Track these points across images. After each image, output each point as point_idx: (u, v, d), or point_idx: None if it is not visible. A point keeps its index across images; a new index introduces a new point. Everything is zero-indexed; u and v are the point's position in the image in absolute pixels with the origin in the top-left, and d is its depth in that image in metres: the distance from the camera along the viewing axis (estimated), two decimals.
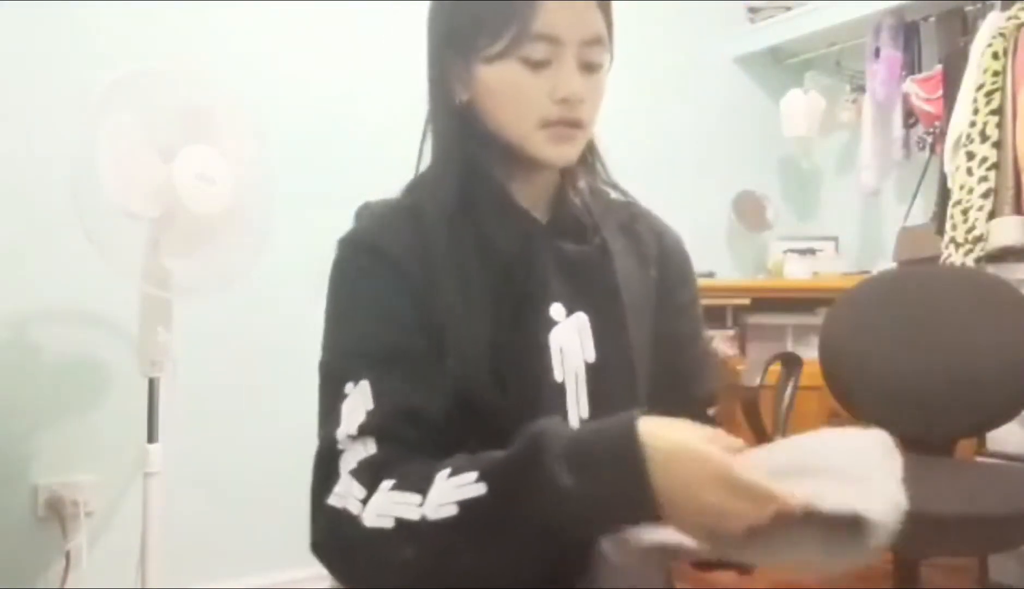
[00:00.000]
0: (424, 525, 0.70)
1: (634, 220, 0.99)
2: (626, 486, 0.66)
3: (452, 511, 0.69)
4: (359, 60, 2.51)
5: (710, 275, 2.97)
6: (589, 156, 0.97)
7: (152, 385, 1.83)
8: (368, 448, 0.75)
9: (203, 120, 1.76)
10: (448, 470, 0.71)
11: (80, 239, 1.65)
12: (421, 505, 0.70)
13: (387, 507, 0.71)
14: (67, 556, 1.99)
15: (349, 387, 0.78)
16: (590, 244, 0.93)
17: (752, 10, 3.34)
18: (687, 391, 0.97)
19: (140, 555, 1.79)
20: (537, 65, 0.83)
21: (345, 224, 0.92)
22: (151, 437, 1.82)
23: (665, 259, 0.99)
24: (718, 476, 0.64)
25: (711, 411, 0.98)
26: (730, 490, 0.64)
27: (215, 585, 2.18)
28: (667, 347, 0.96)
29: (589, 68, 0.86)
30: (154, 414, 1.83)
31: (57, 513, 2.01)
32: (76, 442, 2.06)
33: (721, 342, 2.82)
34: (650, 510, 0.66)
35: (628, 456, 0.66)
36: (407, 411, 0.77)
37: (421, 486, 0.71)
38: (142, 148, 1.67)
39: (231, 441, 2.24)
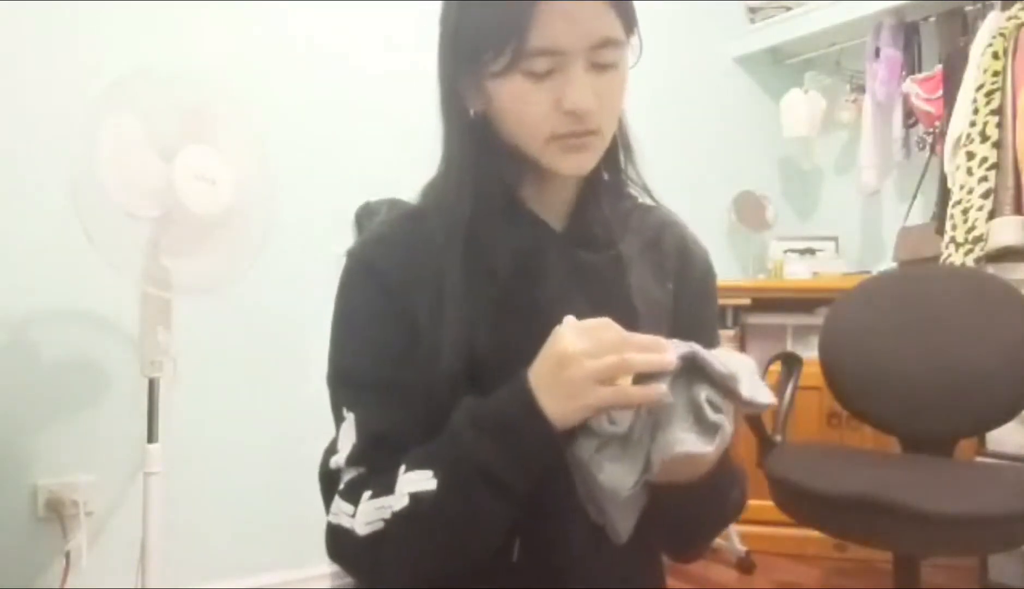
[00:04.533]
0: (395, 518, 0.76)
1: (661, 230, 0.98)
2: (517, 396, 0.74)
3: (405, 502, 0.76)
4: (359, 60, 2.51)
5: None
6: (622, 158, 0.96)
7: (152, 385, 1.82)
8: (356, 472, 0.83)
9: (203, 120, 1.75)
10: (404, 466, 0.78)
11: (80, 239, 1.65)
12: (392, 503, 0.77)
13: (371, 514, 0.78)
14: (67, 556, 1.99)
15: (345, 411, 0.85)
16: (605, 253, 0.92)
17: (752, 10, 3.34)
18: None
19: (140, 555, 1.79)
20: (542, 76, 0.81)
21: (345, 224, 0.93)
22: (151, 437, 1.82)
23: (686, 274, 0.97)
24: (569, 328, 0.74)
25: None
26: (583, 331, 0.73)
27: (215, 585, 2.18)
28: None
29: (601, 68, 0.83)
30: (154, 414, 1.83)
31: (57, 513, 2.00)
32: (76, 442, 2.06)
33: (721, 342, 2.82)
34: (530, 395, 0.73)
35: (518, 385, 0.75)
36: (388, 439, 0.82)
37: (391, 487, 0.78)
38: (142, 148, 1.67)
39: (231, 441, 2.24)
